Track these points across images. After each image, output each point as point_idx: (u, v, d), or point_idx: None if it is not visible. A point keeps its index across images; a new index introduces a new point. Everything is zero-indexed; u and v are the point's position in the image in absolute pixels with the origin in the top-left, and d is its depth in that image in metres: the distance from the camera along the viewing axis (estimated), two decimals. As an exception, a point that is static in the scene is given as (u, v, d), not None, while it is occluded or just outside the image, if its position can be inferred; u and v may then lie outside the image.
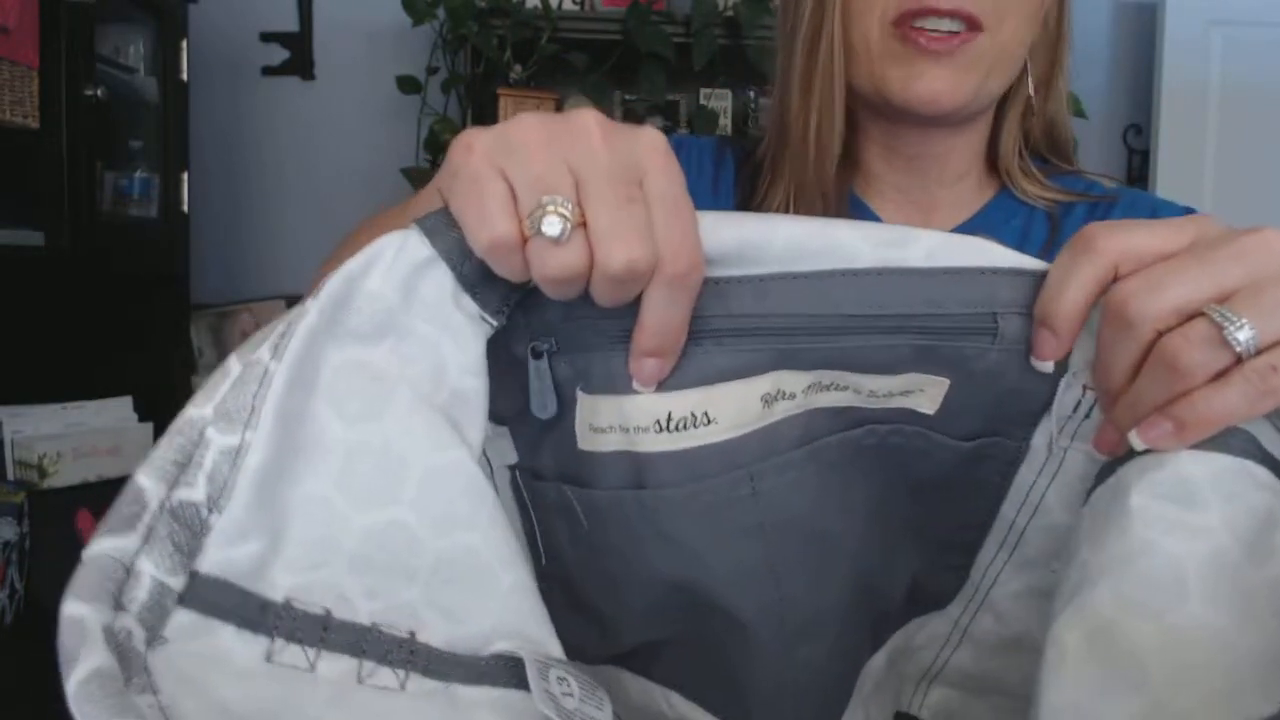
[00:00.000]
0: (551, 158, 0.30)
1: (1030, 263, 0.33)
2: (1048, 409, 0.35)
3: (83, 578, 0.24)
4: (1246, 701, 0.27)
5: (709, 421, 0.34)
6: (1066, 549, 0.35)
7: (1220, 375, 0.28)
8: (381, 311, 0.30)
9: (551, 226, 0.29)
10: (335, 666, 0.28)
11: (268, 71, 2.35)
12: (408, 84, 2.20)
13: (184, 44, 1.91)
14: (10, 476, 1.57)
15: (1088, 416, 0.34)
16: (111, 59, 1.75)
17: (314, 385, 0.29)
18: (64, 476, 1.59)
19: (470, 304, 0.31)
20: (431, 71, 2.19)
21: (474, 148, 0.30)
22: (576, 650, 0.33)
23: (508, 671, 0.30)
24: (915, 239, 0.33)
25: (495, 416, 0.35)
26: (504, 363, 0.34)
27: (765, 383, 0.34)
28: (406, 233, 0.30)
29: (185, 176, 1.93)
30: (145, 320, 1.92)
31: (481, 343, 0.32)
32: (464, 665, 0.30)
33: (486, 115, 2.20)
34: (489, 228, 0.29)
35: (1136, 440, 0.30)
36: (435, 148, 2.19)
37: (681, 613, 0.39)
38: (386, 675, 0.28)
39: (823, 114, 0.65)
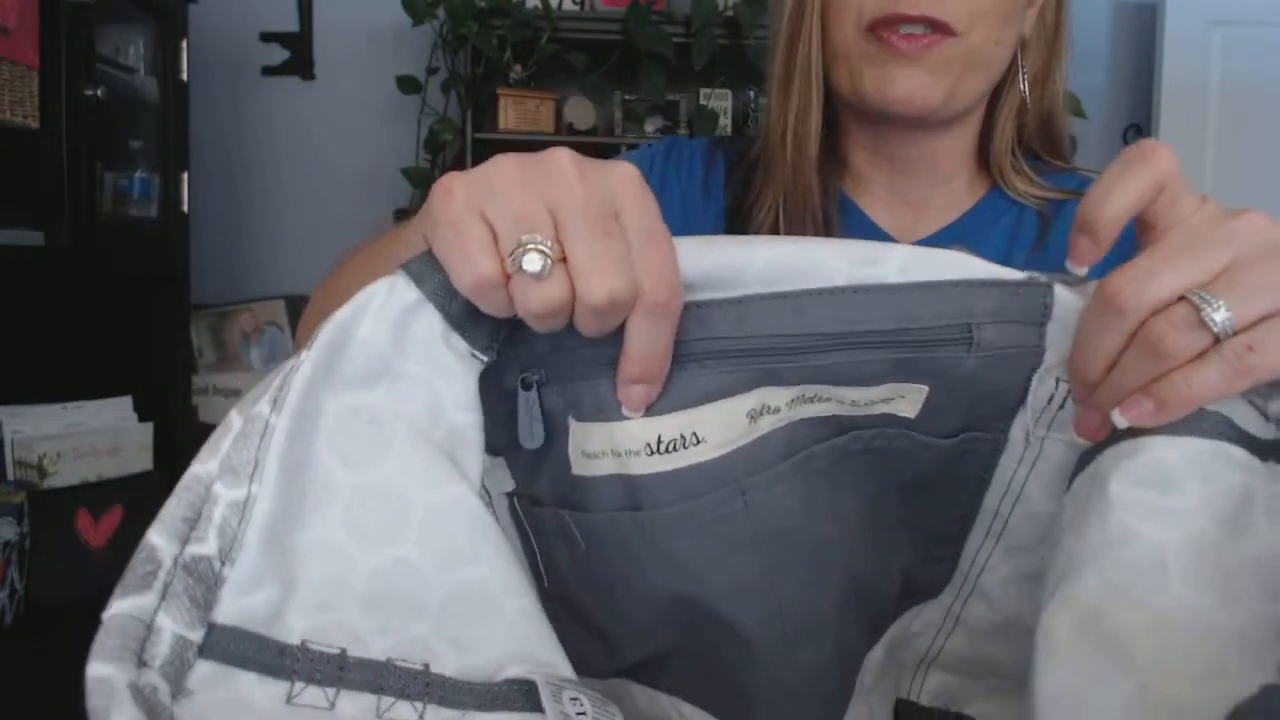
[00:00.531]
0: (529, 197, 0.31)
1: (1005, 273, 0.34)
2: (1023, 403, 0.36)
3: (104, 639, 0.25)
4: (1232, 678, 0.27)
5: (698, 441, 0.35)
6: (1051, 535, 0.36)
7: (1201, 355, 0.30)
8: (375, 356, 0.31)
9: (532, 263, 0.30)
10: (354, 704, 0.29)
11: (268, 71, 2.36)
12: (408, 84, 2.20)
13: (184, 44, 1.91)
14: (10, 476, 1.57)
15: (1061, 407, 0.35)
16: (111, 59, 1.75)
17: (314, 433, 0.30)
18: (64, 476, 1.59)
19: (460, 342, 0.32)
20: (431, 71, 2.20)
21: (454, 192, 0.31)
22: (584, 665, 0.34)
23: (521, 695, 0.31)
24: (888, 255, 0.33)
25: (491, 448, 0.36)
26: (496, 395, 0.35)
27: (750, 400, 0.35)
28: (393, 278, 0.31)
29: (185, 176, 1.94)
30: (145, 320, 1.92)
31: (473, 379, 0.33)
32: (478, 693, 0.30)
33: (486, 115, 2.20)
34: (472, 268, 0.30)
35: (1119, 419, 0.31)
36: (435, 148, 2.19)
37: (683, 625, 0.39)
38: (405, 709, 0.29)
39: (800, 116, 0.66)
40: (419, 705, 0.29)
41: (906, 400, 0.36)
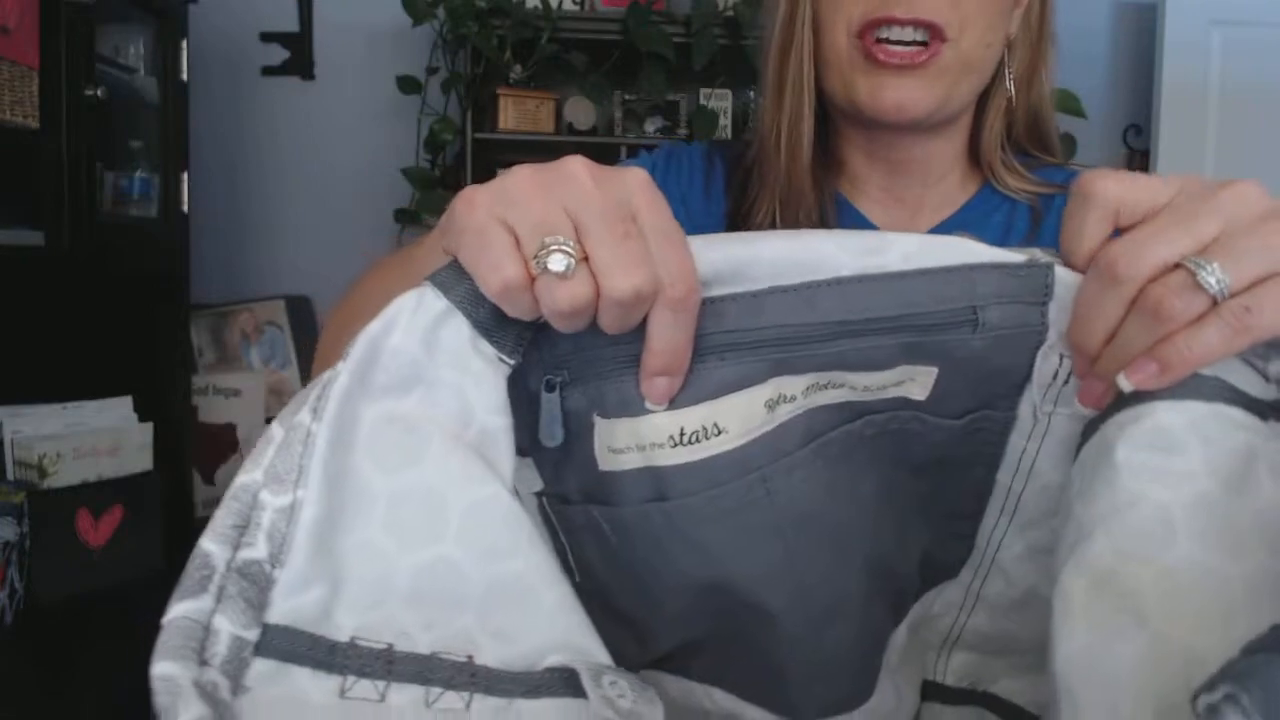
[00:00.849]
0: (549, 203, 0.32)
1: (1005, 255, 0.35)
2: (1029, 379, 0.37)
3: (166, 640, 0.27)
4: (1240, 624, 0.29)
5: (719, 432, 0.36)
6: (1062, 506, 0.37)
7: (1200, 318, 0.31)
8: (407, 365, 0.32)
9: (557, 263, 0.31)
10: (404, 696, 0.30)
11: (268, 71, 2.36)
12: (408, 84, 2.20)
13: (184, 44, 1.91)
14: (10, 476, 1.57)
15: (1066, 383, 0.37)
16: (111, 59, 1.75)
17: (353, 441, 0.31)
18: (64, 476, 1.59)
19: (488, 347, 0.33)
20: (431, 71, 2.20)
21: (475, 203, 0.33)
22: (616, 658, 0.35)
23: (563, 682, 0.32)
24: (891, 245, 0.35)
25: (519, 449, 0.37)
26: (523, 398, 0.36)
27: (767, 389, 0.36)
28: (421, 289, 0.33)
29: (185, 176, 1.94)
30: (145, 320, 1.92)
31: (502, 382, 0.34)
32: (522, 681, 0.32)
33: (486, 115, 2.20)
34: (499, 272, 0.31)
35: (1124, 383, 0.32)
36: (435, 148, 2.19)
37: (712, 612, 0.41)
38: (452, 699, 0.30)
39: (792, 122, 0.67)
40: (465, 695, 0.30)
41: (917, 383, 0.37)
